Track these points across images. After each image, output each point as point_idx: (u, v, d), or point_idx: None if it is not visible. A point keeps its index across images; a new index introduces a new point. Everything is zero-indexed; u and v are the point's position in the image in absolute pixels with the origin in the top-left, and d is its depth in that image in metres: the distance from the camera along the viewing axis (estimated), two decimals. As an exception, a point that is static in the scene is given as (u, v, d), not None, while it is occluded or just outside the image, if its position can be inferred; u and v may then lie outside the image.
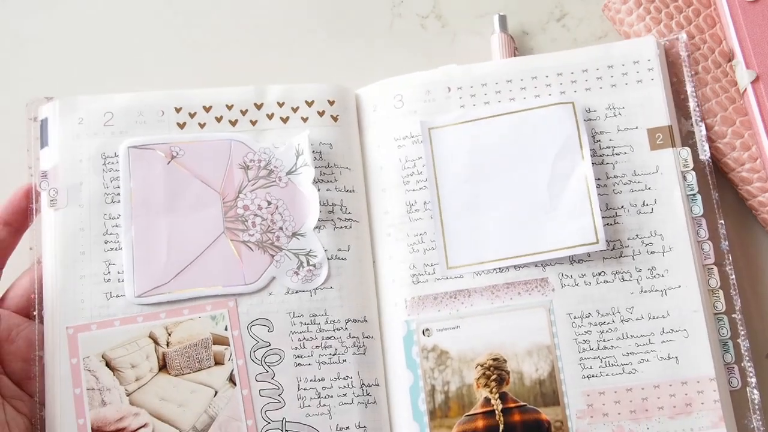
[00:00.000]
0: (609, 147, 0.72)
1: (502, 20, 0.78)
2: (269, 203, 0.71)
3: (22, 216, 0.70)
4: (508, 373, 0.69)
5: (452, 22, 0.81)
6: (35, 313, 0.68)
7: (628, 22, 0.76)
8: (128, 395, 0.67)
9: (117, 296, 0.69)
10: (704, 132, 0.71)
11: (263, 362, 0.68)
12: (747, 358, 0.68)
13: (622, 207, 0.70)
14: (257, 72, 0.80)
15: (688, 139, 0.72)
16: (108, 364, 0.67)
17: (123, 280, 0.69)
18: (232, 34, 0.82)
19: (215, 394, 0.68)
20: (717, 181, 0.71)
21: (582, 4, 0.81)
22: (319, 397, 0.68)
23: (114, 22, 0.82)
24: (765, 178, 0.71)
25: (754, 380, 0.67)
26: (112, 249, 0.69)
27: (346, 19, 0.82)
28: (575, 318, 0.69)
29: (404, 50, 0.81)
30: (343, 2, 0.82)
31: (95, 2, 0.83)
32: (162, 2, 0.83)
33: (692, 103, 0.72)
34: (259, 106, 0.73)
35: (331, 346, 0.69)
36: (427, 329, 0.70)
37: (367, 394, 0.69)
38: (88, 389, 0.67)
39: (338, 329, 0.70)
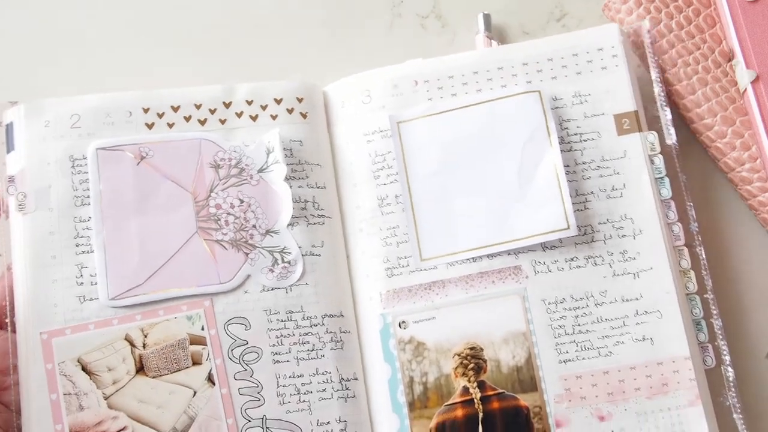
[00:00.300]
0: (576, 134, 0.72)
1: (487, 19, 0.79)
2: (241, 201, 0.71)
3: None
4: (485, 361, 0.69)
5: (452, 22, 0.82)
6: (8, 320, 0.67)
7: (628, 22, 0.76)
8: (106, 399, 0.66)
9: (90, 299, 0.68)
10: (669, 116, 0.72)
11: (241, 361, 0.68)
12: (721, 336, 0.69)
13: (592, 192, 0.71)
14: (253, 71, 0.80)
15: (655, 124, 0.73)
16: (84, 368, 0.67)
17: (96, 283, 0.68)
18: (227, 32, 0.82)
19: (194, 395, 0.67)
20: (685, 165, 0.72)
21: (582, 3, 0.81)
22: (298, 393, 0.68)
23: (78, 23, 0.82)
24: (765, 178, 0.72)
25: (728, 358, 0.68)
26: (83, 252, 0.69)
27: (346, 19, 0.82)
28: (550, 304, 0.69)
29: (404, 50, 0.81)
30: (343, 2, 0.82)
31: (60, 3, 0.82)
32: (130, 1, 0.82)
33: (657, 89, 0.73)
34: (227, 105, 0.73)
35: (308, 342, 0.69)
36: (404, 321, 0.70)
37: (347, 389, 0.69)
38: (64, 394, 0.66)
39: (315, 325, 0.69)
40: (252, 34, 0.81)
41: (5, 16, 0.82)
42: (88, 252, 0.69)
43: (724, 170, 0.74)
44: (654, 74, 0.73)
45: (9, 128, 0.71)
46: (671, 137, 0.72)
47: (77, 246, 0.69)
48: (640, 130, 0.72)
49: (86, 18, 0.82)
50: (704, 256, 0.70)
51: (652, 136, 0.72)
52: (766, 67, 0.72)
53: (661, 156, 0.71)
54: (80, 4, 0.82)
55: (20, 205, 0.69)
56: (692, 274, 0.70)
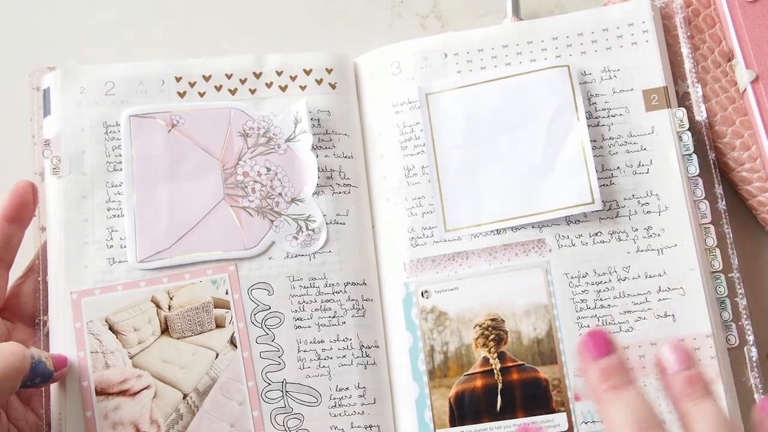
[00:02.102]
0: (604, 109, 0.71)
1: (515, 3, 0.78)
2: (268, 170, 0.71)
3: (25, 209, 0.68)
4: (506, 332, 0.69)
5: (452, 22, 0.81)
6: (40, 279, 0.69)
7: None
8: (131, 358, 0.68)
9: (120, 262, 0.69)
10: (701, 93, 0.71)
11: (263, 325, 0.69)
12: (745, 316, 0.68)
13: (618, 168, 0.70)
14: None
15: (684, 101, 0.72)
16: (111, 328, 0.68)
17: (125, 246, 0.69)
18: (231, 34, 0.82)
19: (216, 357, 0.68)
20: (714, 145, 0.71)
21: (582, 3, 0.80)
22: (318, 359, 0.68)
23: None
24: (765, 178, 0.70)
25: (752, 338, 0.67)
26: (114, 216, 0.70)
27: (346, 19, 0.81)
28: (572, 278, 0.69)
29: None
30: (343, 2, 0.82)
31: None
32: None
33: (688, 65, 0.72)
34: (258, 75, 0.74)
35: (330, 309, 0.69)
36: (426, 291, 0.70)
37: (366, 356, 0.69)
38: (91, 352, 0.67)
39: (337, 292, 0.70)
40: (250, 34, 0.81)
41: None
42: (118, 216, 0.70)
43: (724, 170, 0.72)
44: (685, 50, 0.72)
45: (46, 93, 0.72)
46: (701, 114, 0.71)
47: (108, 210, 0.70)
48: (668, 106, 0.71)
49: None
50: (731, 235, 0.69)
51: (681, 113, 0.70)
52: (766, 67, 0.71)
53: (689, 133, 0.70)
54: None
55: (55, 168, 0.70)
56: (718, 252, 0.69)
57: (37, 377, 0.62)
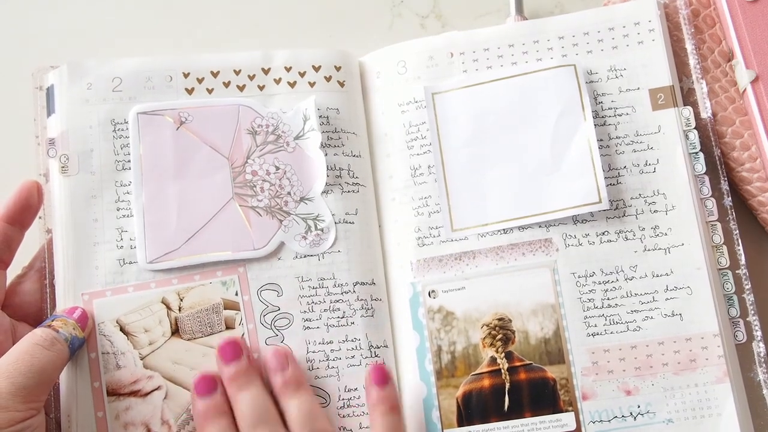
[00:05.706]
0: (611, 108, 0.67)
1: (518, 2, 0.73)
2: (277, 168, 0.67)
3: (27, 212, 0.64)
4: (513, 332, 0.65)
5: (452, 22, 0.76)
6: (47, 281, 0.65)
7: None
8: (142, 359, 0.64)
9: (130, 263, 0.65)
10: (705, 89, 0.67)
11: (273, 326, 0.65)
12: (752, 312, 0.64)
13: (625, 167, 0.66)
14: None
15: (690, 97, 0.68)
16: (122, 329, 0.64)
17: (135, 247, 0.65)
18: (230, 33, 0.77)
19: (226, 357, 0.64)
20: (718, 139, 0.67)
21: (582, 3, 0.76)
22: (327, 360, 0.64)
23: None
24: (765, 178, 0.67)
25: (759, 333, 0.63)
26: (124, 216, 0.66)
27: (346, 19, 0.77)
28: (579, 277, 0.65)
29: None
30: (343, 2, 0.77)
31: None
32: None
33: (692, 61, 0.68)
34: (266, 71, 0.69)
35: (339, 309, 0.65)
36: (433, 291, 0.66)
37: (375, 356, 0.65)
38: (103, 353, 0.63)
39: (346, 292, 0.66)
40: (252, 31, 0.77)
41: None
42: (128, 216, 0.66)
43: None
44: (690, 45, 0.68)
45: (50, 91, 0.67)
46: (707, 111, 0.67)
47: (118, 210, 0.66)
48: (675, 105, 0.67)
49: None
50: (737, 231, 0.65)
51: (687, 111, 0.66)
52: (766, 67, 0.67)
53: (695, 131, 0.66)
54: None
55: (63, 167, 0.66)
56: (725, 249, 0.65)
57: (76, 350, 0.62)
